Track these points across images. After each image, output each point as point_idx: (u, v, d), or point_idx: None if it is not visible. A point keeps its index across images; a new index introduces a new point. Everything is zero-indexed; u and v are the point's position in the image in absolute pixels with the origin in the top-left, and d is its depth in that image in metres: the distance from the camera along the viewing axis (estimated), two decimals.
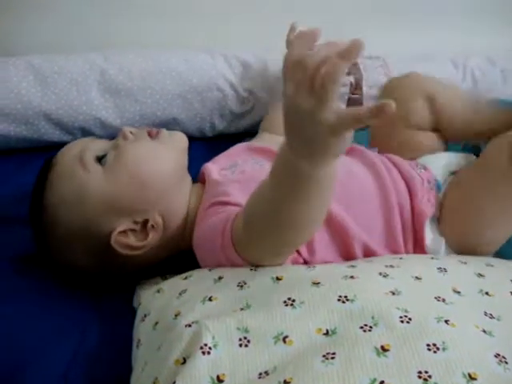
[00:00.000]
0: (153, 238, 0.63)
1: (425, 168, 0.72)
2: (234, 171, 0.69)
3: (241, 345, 0.43)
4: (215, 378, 0.41)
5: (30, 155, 0.93)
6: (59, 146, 0.90)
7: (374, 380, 0.37)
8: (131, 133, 0.68)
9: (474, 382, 0.37)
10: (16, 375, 0.57)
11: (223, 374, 0.41)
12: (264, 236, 0.51)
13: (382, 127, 0.81)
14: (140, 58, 0.94)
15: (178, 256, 0.67)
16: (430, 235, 0.65)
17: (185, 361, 0.43)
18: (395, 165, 0.70)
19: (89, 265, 0.65)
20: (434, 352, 0.39)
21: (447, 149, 0.83)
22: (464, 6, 1.16)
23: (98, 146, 0.68)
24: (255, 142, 0.81)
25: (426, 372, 0.38)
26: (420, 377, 0.37)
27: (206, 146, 0.96)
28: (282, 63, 0.40)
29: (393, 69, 1.02)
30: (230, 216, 0.55)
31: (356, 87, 1.01)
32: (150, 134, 0.69)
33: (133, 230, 0.63)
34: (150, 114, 0.93)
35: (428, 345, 0.40)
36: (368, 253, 0.62)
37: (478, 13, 1.16)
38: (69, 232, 0.63)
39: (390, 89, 0.84)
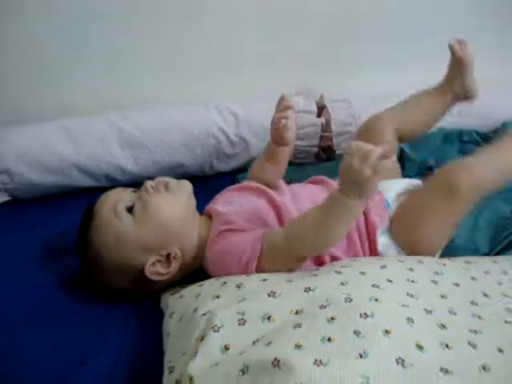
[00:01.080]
0: (174, 265, 0.82)
1: (378, 192, 0.92)
2: (235, 205, 0.88)
3: (239, 324, 0.62)
4: (223, 346, 0.61)
5: (64, 199, 1.11)
6: (87, 190, 1.11)
7: (325, 337, 0.57)
8: (151, 186, 0.83)
9: (389, 334, 0.57)
10: (75, 367, 0.73)
11: (229, 344, 0.60)
12: (304, 245, 0.76)
13: None
14: (150, 115, 1.13)
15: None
16: (382, 242, 0.86)
17: (202, 338, 0.63)
18: None
19: (126, 287, 0.83)
20: (365, 318, 0.59)
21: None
22: (422, 47, 1.32)
23: (127, 197, 0.83)
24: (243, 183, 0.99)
25: (359, 331, 0.57)
26: (355, 333, 0.57)
27: (207, 183, 1.14)
28: (347, 152, 0.70)
29: (357, 109, 1.23)
30: (256, 237, 0.78)
31: (326, 127, 1.21)
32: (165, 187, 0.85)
33: (159, 261, 0.82)
34: (160, 160, 1.12)
35: (361, 314, 0.59)
36: (334, 259, 0.81)
37: (435, 53, 1.34)
38: (110, 266, 0.81)
39: (364, 129, 1.05)
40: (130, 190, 0.87)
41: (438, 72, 1.29)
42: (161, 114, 1.14)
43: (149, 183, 0.84)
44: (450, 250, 0.90)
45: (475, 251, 0.93)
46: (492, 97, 1.30)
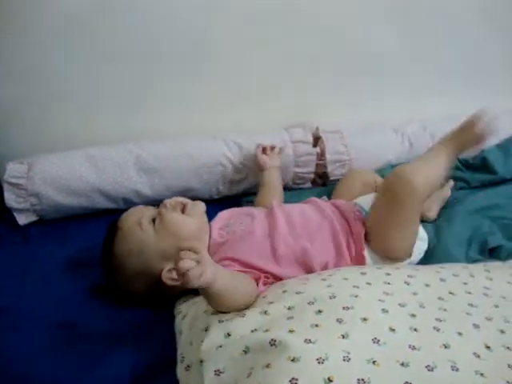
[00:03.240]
0: None
1: (355, 205, 1.05)
2: (229, 232, 0.99)
3: (240, 316, 0.74)
4: (226, 333, 0.72)
5: (85, 219, 1.22)
6: (106, 211, 1.21)
7: (313, 324, 0.68)
8: (170, 204, 0.97)
9: (367, 321, 0.68)
10: (98, 360, 0.83)
11: (230, 331, 0.72)
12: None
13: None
14: (163, 144, 1.24)
15: None
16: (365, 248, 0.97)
17: (207, 329, 0.75)
18: (336, 206, 1.04)
19: (145, 292, 0.94)
20: (347, 310, 0.71)
21: None
22: (405, 85, 1.46)
23: (148, 212, 0.97)
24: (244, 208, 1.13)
25: (342, 319, 0.69)
26: (337, 321, 0.69)
27: (214, 205, 1.21)
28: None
29: (348, 139, 1.35)
30: None
31: (321, 155, 1.33)
32: (182, 210, 0.98)
33: (174, 269, 0.89)
34: (172, 185, 1.22)
35: (343, 307, 0.71)
36: (324, 264, 0.93)
37: (415, 89, 1.47)
38: (132, 272, 0.92)
39: (346, 179, 1.24)
40: (151, 207, 1.01)
41: (426, 107, 1.45)
42: (173, 143, 1.25)
43: (167, 201, 0.98)
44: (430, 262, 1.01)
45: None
46: None
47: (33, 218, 1.20)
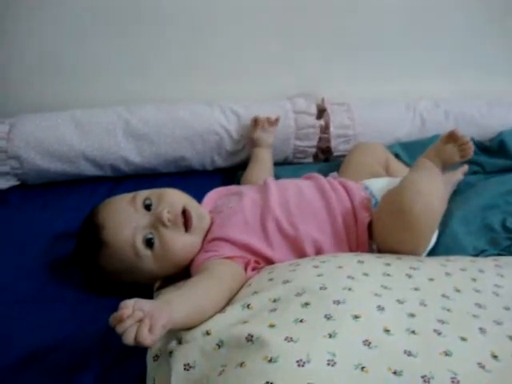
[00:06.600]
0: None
1: (366, 188, 0.95)
2: (219, 212, 0.90)
3: (220, 312, 0.67)
4: (205, 332, 0.63)
5: (69, 186, 1.16)
6: (92, 178, 1.15)
7: (297, 319, 0.61)
8: (169, 220, 0.80)
9: (359, 319, 0.60)
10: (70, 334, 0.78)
11: (210, 329, 0.63)
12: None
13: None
14: (155, 109, 1.16)
15: None
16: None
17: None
18: (343, 185, 0.93)
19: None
20: (337, 304, 0.63)
21: None
22: (415, 57, 1.34)
23: (141, 223, 0.80)
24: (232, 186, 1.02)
25: (330, 315, 0.61)
26: (325, 317, 0.61)
27: (207, 177, 1.19)
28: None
29: (355, 112, 1.25)
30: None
31: (326, 129, 1.25)
32: (185, 226, 0.82)
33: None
34: (163, 153, 1.15)
35: (334, 301, 0.63)
36: (318, 249, 0.84)
37: (426, 62, 1.35)
38: (114, 280, 0.83)
39: (356, 152, 1.13)
40: (140, 204, 0.83)
41: (439, 84, 1.36)
42: (166, 109, 1.17)
43: (166, 216, 0.80)
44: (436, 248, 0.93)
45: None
46: (490, 107, 1.33)
47: (14, 181, 1.14)
